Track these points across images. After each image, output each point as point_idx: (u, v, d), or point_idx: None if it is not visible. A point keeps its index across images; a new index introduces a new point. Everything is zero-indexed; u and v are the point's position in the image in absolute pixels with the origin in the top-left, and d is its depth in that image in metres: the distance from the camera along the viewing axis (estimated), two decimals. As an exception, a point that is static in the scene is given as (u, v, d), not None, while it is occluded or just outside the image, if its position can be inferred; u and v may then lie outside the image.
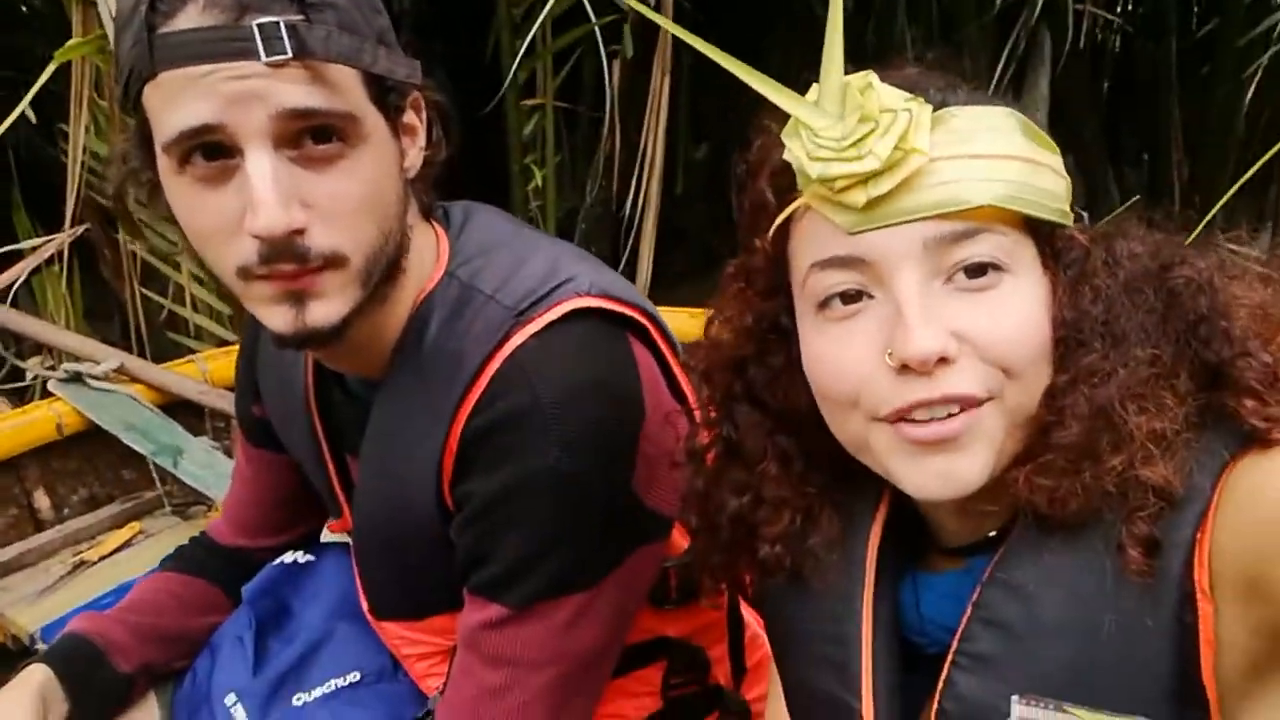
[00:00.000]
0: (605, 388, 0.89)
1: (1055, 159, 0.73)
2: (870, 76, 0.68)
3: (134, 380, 2.37)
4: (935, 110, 0.69)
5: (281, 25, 0.77)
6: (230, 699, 1.13)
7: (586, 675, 0.97)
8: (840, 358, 0.71)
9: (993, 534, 0.74)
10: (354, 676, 1.14)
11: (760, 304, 0.79)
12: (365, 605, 1.09)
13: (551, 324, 0.90)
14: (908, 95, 0.68)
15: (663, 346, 0.99)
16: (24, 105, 1.95)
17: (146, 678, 1.16)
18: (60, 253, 2.74)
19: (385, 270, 0.89)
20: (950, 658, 0.73)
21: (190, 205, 0.83)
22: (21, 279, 2.69)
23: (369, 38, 0.83)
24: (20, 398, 2.63)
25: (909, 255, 0.68)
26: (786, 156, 0.70)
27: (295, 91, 0.79)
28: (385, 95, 0.86)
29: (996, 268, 0.68)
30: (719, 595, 0.88)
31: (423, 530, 0.95)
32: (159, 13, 0.78)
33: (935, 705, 0.73)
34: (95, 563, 2.05)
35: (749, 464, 0.80)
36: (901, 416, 0.69)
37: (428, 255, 0.96)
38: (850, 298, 0.70)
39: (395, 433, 0.95)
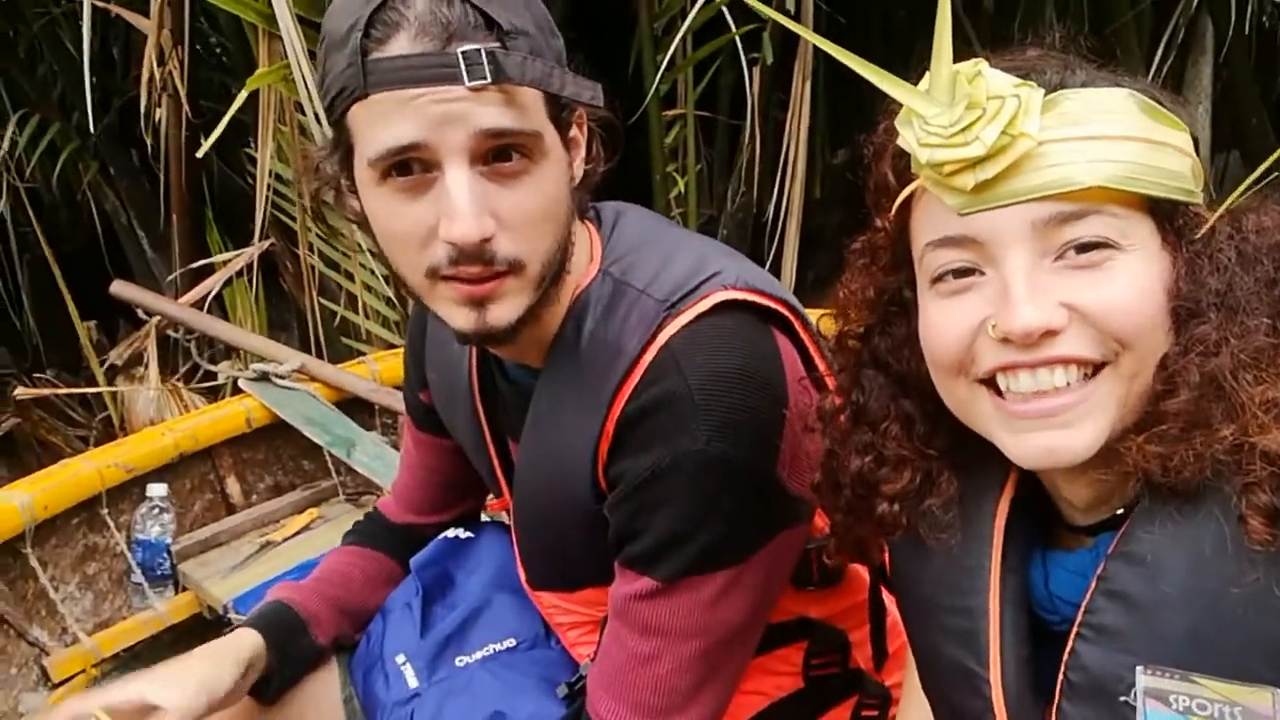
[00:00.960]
0: (751, 375, 0.92)
1: (1180, 137, 0.72)
2: (980, 64, 0.70)
3: (313, 379, 2.57)
4: (1049, 93, 0.70)
5: (482, 53, 0.84)
6: (400, 659, 1.22)
7: (731, 649, 1.00)
8: (947, 325, 0.73)
9: (1120, 512, 0.75)
10: (510, 642, 1.22)
11: (883, 278, 0.82)
12: (523, 576, 1.16)
13: (700, 315, 0.94)
14: (1018, 81, 0.69)
15: (805, 338, 1.02)
16: (220, 129, 2.16)
17: (334, 648, 1.26)
18: (249, 265, 2.98)
19: (554, 275, 0.96)
20: (1075, 630, 0.74)
21: (389, 213, 0.91)
22: (215, 290, 2.94)
23: (553, 62, 0.90)
24: (214, 396, 2.88)
25: (1018, 235, 0.69)
26: (900, 143, 0.73)
27: (491, 113, 0.86)
28: (560, 113, 0.94)
29: (1108, 245, 0.69)
30: (845, 561, 0.90)
31: (577, 508, 1.00)
32: (373, 39, 0.85)
33: (1061, 677, 0.74)
34: (279, 543, 2.24)
35: (873, 425, 0.82)
36: (996, 372, 0.71)
37: (583, 253, 1.03)
38: (962, 273, 0.73)
39: (554, 418, 1.01)
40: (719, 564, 0.95)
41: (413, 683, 1.20)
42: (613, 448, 0.96)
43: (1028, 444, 0.71)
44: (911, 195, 0.77)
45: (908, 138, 0.71)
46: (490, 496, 1.29)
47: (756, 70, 2.71)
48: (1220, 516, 0.67)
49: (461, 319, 0.92)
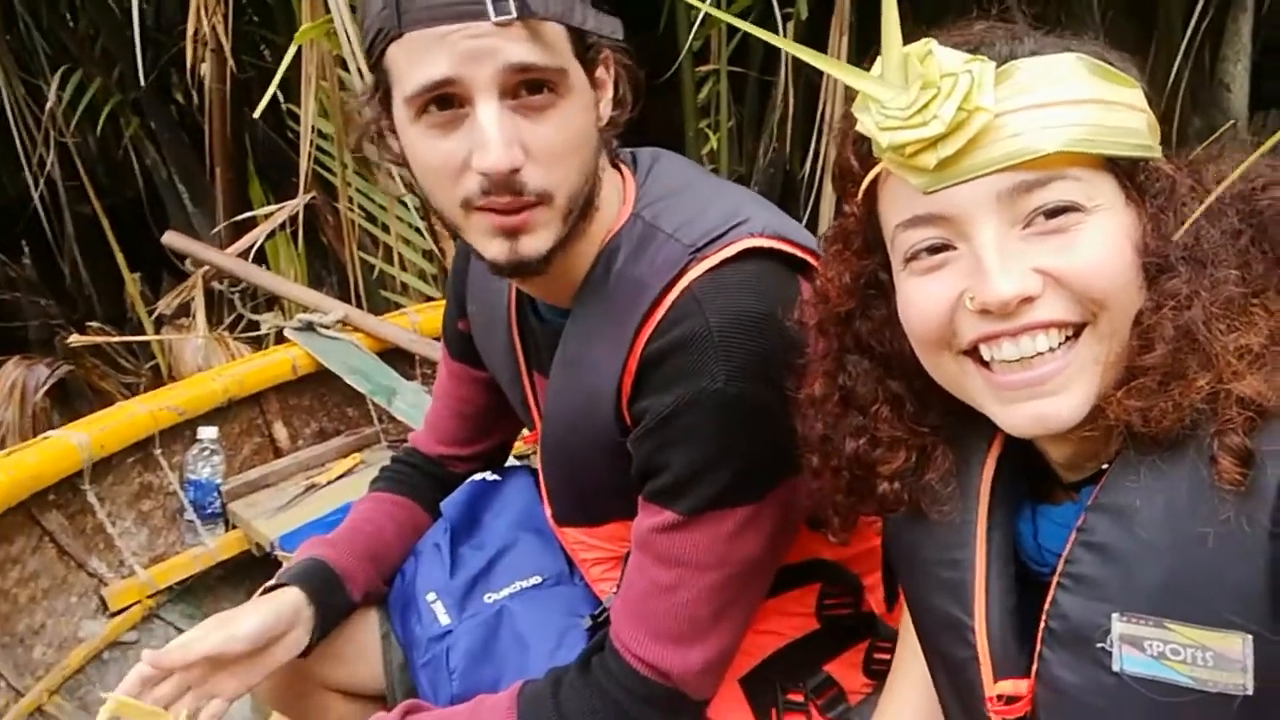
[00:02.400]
0: (771, 320, 0.92)
1: (1132, 95, 0.72)
2: (930, 44, 0.69)
3: (356, 329, 2.61)
4: (1000, 65, 0.70)
5: None
6: (431, 596, 1.26)
7: (748, 582, 1.02)
8: (926, 301, 0.74)
9: (1105, 467, 0.75)
10: (536, 579, 1.25)
11: (858, 263, 0.83)
12: (549, 512, 1.18)
13: (726, 261, 0.95)
14: (969, 56, 0.69)
15: None
16: (274, 85, 2.16)
17: (366, 601, 1.28)
18: (291, 218, 3.00)
19: (582, 208, 0.97)
20: (1055, 580, 0.75)
21: (425, 147, 0.93)
22: (259, 241, 2.97)
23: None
24: (258, 345, 2.92)
25: (984, 207, 0.70)
26: (860, 128, 0.72)
27: (518, 48, 0.88)
28: (586, 51, 0.95)
29: (1074, 208, 0.70)
30: (848, 533, 0.91)
31: (601, 443, 1.02)
32: None
33: (1042, 625, 0.76)
34: (323, 486, 2.30)
35: (863, 409, 0.83)
36: (979, 343, 0.72)
37: (615, 197, 1.04)
38: (934, 250, 0.73)
39: (581, 355, 1.03)
40: (738, 500, 0.96)
41: (444, 619, 1.23)
42: (636, 385, 0.98)
43: (1018, 414, 0.72)
44: (877, 179, 0.77)
45: (866, 123, 0.71)
46: (524, 431, 1.31)
47: (791, 25, 2.66)
48: (1196, 462, 0.68)
49: (495, 249, 0.95)
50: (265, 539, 2.10)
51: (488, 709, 1.04)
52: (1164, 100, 2.69)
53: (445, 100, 0.90)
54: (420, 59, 0.88)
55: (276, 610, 1.14)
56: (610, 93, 1.00)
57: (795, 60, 2.64)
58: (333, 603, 1.20)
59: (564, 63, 0.91)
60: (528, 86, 0.90)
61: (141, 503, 2.16)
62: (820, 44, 2.61)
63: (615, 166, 1.07)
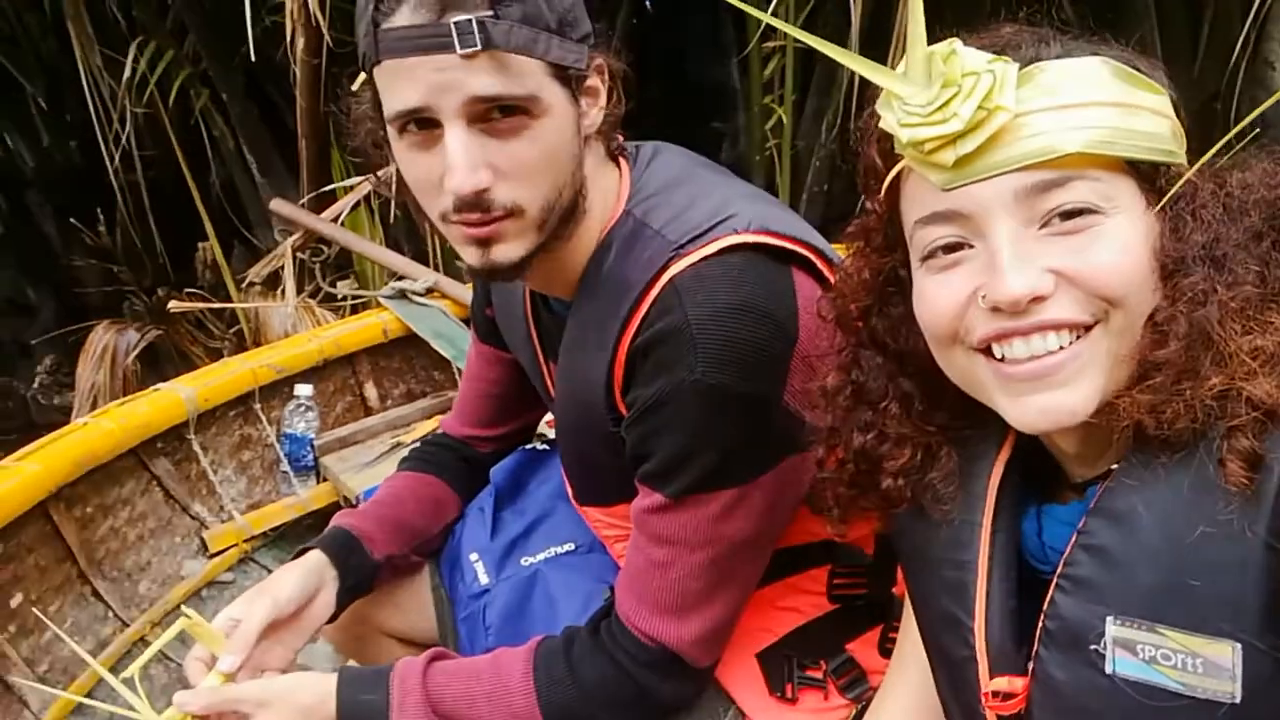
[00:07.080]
0: (750, 309, 0.90)
1: (1157, 100, 0.68)
2: (954, 44, 0.66)
3: (444, 297, 2.60)
4: (1025, 67, 0.67)
5: (473, 22, 0.84)
6: (473, 556, 1.26)
7: (740, 560, 0.99)
8: (939, 298, 0.71)
9: (1114, 467, 0.70)
10: (569, 546, 1.23)
11: (878, 260, 0.80)
12: (570, 492, 1.17)
13: (708, 256, 0.92)
14: (993, 56, 0.66)
15: (831, 277, 0.96)
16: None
17: (390, 566, 1.24)
18: (376, 189, 2.96)
19: (561, 216, 0.95)
20: (1054, 581, 0.71)
21: (407, 163, 0.94)
22: (345, 213, 2.95)
23: (547, 28, 0.88)
24: (338, 314, 2.91)
25: (1001, 206, 0.67)
26: (883, 125, 0.70)
27: (482, 80, 0.86)
28: (566, 69, 0.91)
29: (1091, 210, 0.66)
30: (846, 525, 0.86)
31: (600, 431, 1.01)
32: (382, 11, 0.87)
33: (1040, 625, 0.72)
34: (408, 445, 2.27)
35: (873, 404, 0.80)
36: (991, 341, 0.68)
37: (610, 194, 1.01)
38: (952, 248, 0.70)
39: (578, 348, 1.02)
40: (721, 483, 0.94)
41: (484, 579, 1.23)
42: (626, 377, 0.96)
43: (1026, 406, 0.68)
44: (899, 176, 0.74)
45: (888, 119, 0.69)
46: (549, 415, 1.27)
47: (859, 2, 2.51)
48: (1202, 465, 0.63)
49: (470, 256, 0.95)
50: (353, 492, 2.11)
51: (506, 660, 1.03)
52: (1224, 81, 2.47)
53: (422, 121, 0.89)
54: (396, 86, 0.89)
55: (305, 571, 1.14)
56: (603, 99, 0.97)
57: (864, 38, 2.50)
58: (353, 561, 1.19)
59: (534, 89, 0.88)
60: (499, 109, 0.88)
61: (241, 453, 2.21)
62: (890, 16, 2.47)
63: (616, 159, 1.03)
